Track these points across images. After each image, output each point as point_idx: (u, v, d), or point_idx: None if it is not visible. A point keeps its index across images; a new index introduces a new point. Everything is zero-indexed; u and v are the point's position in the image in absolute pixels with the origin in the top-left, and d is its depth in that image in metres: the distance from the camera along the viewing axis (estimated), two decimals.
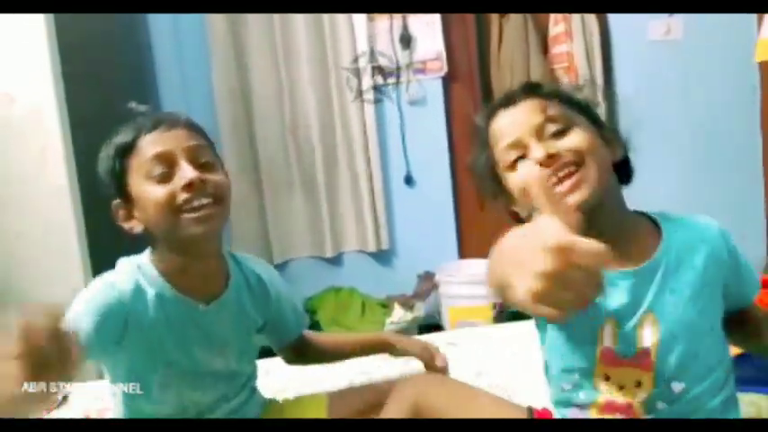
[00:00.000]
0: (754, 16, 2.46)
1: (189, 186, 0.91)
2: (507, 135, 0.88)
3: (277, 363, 1.31)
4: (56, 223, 1.98)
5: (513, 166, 0.88)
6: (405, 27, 2.70)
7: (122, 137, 0.96)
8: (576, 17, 2.59)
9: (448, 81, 2.77)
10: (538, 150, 0.84)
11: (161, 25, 2.80)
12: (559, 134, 0.86)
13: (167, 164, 0.92)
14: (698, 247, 0.87)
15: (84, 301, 0.93)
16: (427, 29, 2.70)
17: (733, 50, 2.56)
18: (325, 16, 2.72)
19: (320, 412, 1.15)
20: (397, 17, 2.69)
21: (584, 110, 0.90)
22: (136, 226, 0.96)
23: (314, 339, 1.26)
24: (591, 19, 2.60)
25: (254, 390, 1.15)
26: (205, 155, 0.96)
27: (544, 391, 1.02)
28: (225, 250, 1.06)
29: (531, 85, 0.92)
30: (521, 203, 0.90)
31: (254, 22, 2.76)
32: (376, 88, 2.76)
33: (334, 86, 2.76)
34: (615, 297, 0.87)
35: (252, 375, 1.15)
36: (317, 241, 2.87)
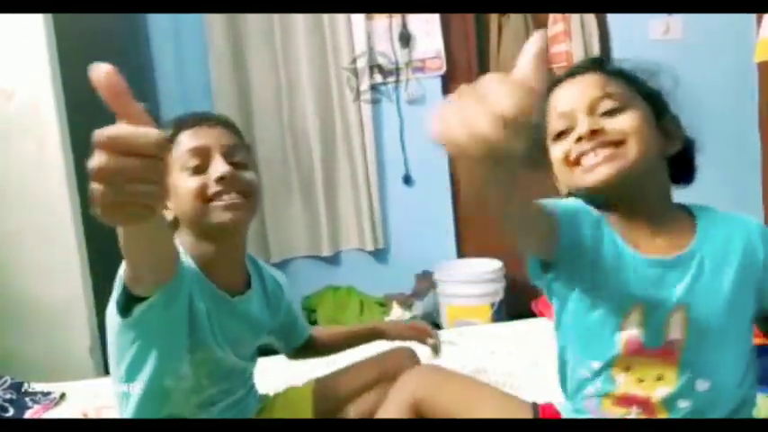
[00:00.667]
0: (753, 16, 2.47)
1: (220, 179, 0.96)
2: (561, 104, 0.87)
3: (270, 361, 1.33)
4: (54, 219, 1.97)
5: (558, 136, 0.87)
6: (404, 25, 2.69)
7: (164, 131, 0.98)
8: (575, 16, 2.59)
9: (447, 80, 2.77)
10: (583, 124, 0.84)
11: (160, 23, 2.80)
12: (612, 113, 0.84)
13: (202, 157, 0.97)
14: (734, 244, 0.86)
15: None
16: (426, 27, 2.70)
17: (732, 50, 2.56)
18: (325, 16, 2.71)
19: (307, 398, 1.20)
20: (396, 15, 2.69)
21: (648, 95, 0.88)
22: (168, 214, 1.00)
23: (312, 336, 1.31)
24: (590, 18, 2.60)
25: (253, 385, 1.18)
26: (239, 154, 1.01)
27: (545, 388, 1.02)
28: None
29: (597, 59, 0.91)
30: (557, 177, 0.90)
31: (253, 22, 2.75)
32: (375, 87, 2.75)
33: (333, 86, 2.75)
34: (645, 284, 0.85)
35: (252, 371, 1.18)
36: (314, 240, 2.86)
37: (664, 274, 0.85)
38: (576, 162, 0.85)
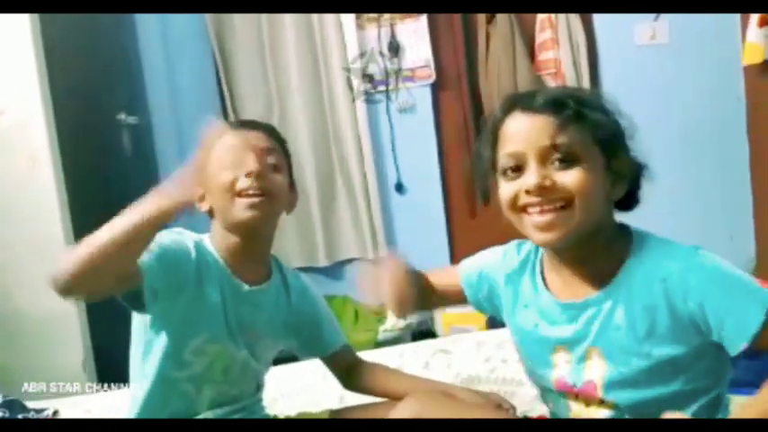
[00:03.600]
0: (738, 21, 2.49)
1: (249, 174, 1.03)
2: (513, 143, 0.85)
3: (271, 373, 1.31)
4: (45, 233, 1.97)
5: (506, 173, 0.86)
6: (392, 35, 2.71)
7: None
8: (562, 23, 2.61)
9: (437, 88, 2.79)
10: (532, 176, 0.82)
11: (149, 33, 2.80)
12: (563, 165, 0.82)
13: (239, 156, 1.05)
14: (655, 286, 0.81)
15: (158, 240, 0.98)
16: (415, 36, 2.71)
17: (719, 53, 2.58)
18: (316, 24, 2.73)
19: None
20: (385, 25, 2.71)
21: (603, 140, 0.84)
22: (204, 206, 1.08)
23: (371, 370, 1.23)
24: (577, 25, 2.62)
25: (260, 400, 1.19)
26: (274, 158, 1.08)
27: (538, 396, 1.02)
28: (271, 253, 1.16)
29: (556, 101, 0.84)
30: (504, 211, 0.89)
31: (243, 31, 2.76)
32: (365, 95, 2.76)
33: (324, 95, 2.76)
34: (563, 326, 0.88)
35: (261, 386, 1.19)
36: (310, 251, 2.86)
37: (576, 316, 0.87)
38: (523, 209, 0.85)
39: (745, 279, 0.80)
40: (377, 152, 2.83)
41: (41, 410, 1.62)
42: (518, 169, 0.84)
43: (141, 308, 0.97)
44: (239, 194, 1.03)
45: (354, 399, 1.39)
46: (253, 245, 1.09)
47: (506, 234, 0.94)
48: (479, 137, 0.93)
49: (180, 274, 1.00)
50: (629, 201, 0.90)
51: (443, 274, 1.12)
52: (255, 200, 1.03)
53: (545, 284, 0.92)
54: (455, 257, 2.87)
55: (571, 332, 0.87)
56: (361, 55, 2.72)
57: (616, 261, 0.86)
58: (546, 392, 0.96)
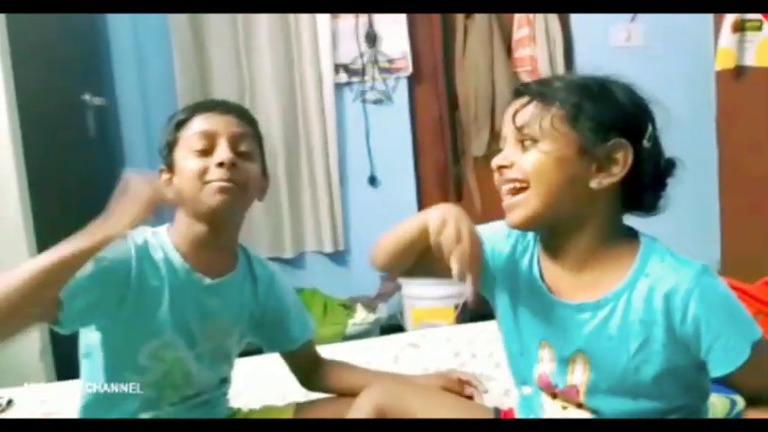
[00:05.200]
0: (711, 26, 2.53)
1: (220, 165, 0.98)
2: (503, 126, 0.86)
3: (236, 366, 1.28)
4: (3, 219, 1.90)
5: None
6: (370, 25, 2.68)
7: (182, 112, 1.05)
8: (539, 21, 2.61)
9: (413, 81, 2.77)
10: (498, 156, 0.84)
11: (120, 20, 2.71)
12: (524, 145, 0.82)
13: (209, 142, 1.00)
14: (657, 302, 0.79)
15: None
16: (393, 27, 2.69)
17: (691, 58, 2.62)
18: (289, 14, 2.67)
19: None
20: (363, 15, 2.67)
21: (589, 118, 0.80)
22: (170, 191, 1.02)
23: (330, 367, 1.21)
24: (554, 23, 2.63)
25: (225, 394, 1.16)
26: (247, 144, 1.03)
27: (508, 390, 1.01)
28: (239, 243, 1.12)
29: (531, 84, 0.86)
30: None
31: (216, 16, 2.70)
32: (340, 86, 2.73)
33: (297, 85, 2.72)
34: (552, 324, 0.86)
35: (227, 378, 1.15)
36: (277, 242, 2.82)
37: (568, 317, 0.85)
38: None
39: (742, 309, 0.80)
40: (348, 144, 2.80)
41: None
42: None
43: (74, 329, 0.93)
44: (207, 183, 0.99)
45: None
46: (219, 234, 1.04)
47: None
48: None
49: (113, 288, 0.95)
50: (645, 201, 0.84)
51: None
52: (226, 185, 0.98)
53: (541, 276, 0.88)
54: None
55: (560, 332, 0.85)
56: (336, 44, 2.69)
57: (620, 267, 0.82)
58: (523, 386, 0.94)
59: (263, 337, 1.17)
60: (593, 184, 0.80)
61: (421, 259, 0.93)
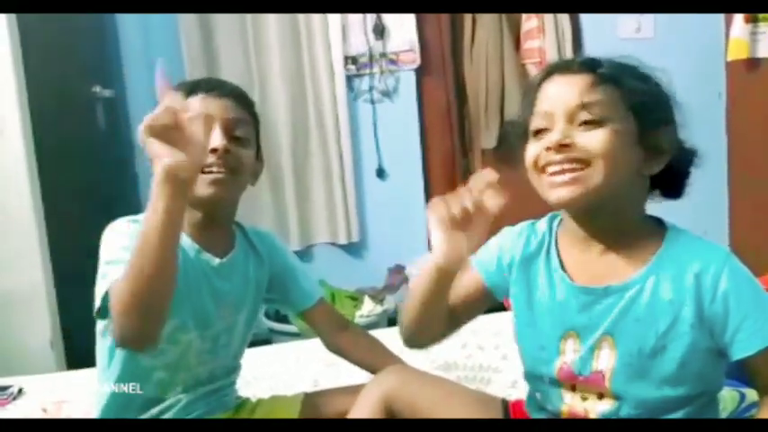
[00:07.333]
0: (722, 16, 2.50)
1: (213, 151, 0.97)
2: (544, 103, 0.84)
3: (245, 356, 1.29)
4: (14, 206, 1.91)
5: (535, 134, 0.85)
6: (378, 17, 2.67)
7: (179, 91, 1.04)
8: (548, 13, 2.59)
9: (421, 73, 2.76)
10: (556, 134, 0.81)
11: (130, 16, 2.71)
12: (588, 125, 0.80)
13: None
14: (687, 281, 0.80)
15: (114, 234, 0.98)
16: (401, 20, 2.68)
17: (702, 49, 2.60)
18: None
19: (293, 413, 1.14)
20: None
21: (638, 105, 0.82)
22: None
23: (355, 335, 1.23)
24: (563, 15, 2.61)
25: (233, 383, 1.17)
26: (242, 130, 1.03)
27: (515, 382, 1.01)
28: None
29: (594, 61, 0.85)
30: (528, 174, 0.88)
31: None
32: (349, 78, 2.73)
33: (306, 76, 2.72)
34: (575, 311, 0.86)
35: (237, 367, 1.17)
36: (283, 234, 2.82)
37: (593, 302, 0.84)
38: (543, 170, 0.83)
39: (766, 293, 0.82)
40: (358, 137, 2.80)
41: (5, 388, 1.58)
42: (546, 131, 0.83)
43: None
44: (201, 170, 0.96)
45: (328, 382, 1.38)
46: (216, 218, 1.06)
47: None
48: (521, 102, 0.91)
49: None
50: (674, 186, 0.87)
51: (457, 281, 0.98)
52: (219, 176, 0.99)
53: (561, 266, 0.89)
54: None
55: (585, 318, 0.85)
56: (346, 37, 2.68)
57: (646, 250, 0.84)
58: (538, 381, 0.93)
59: (280, 297, 1.19)
60: (644, 169, 0.83)
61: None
